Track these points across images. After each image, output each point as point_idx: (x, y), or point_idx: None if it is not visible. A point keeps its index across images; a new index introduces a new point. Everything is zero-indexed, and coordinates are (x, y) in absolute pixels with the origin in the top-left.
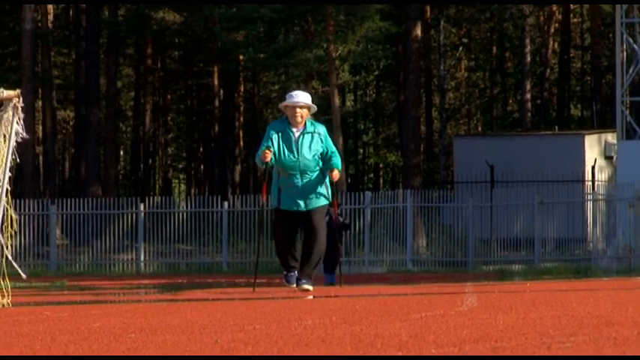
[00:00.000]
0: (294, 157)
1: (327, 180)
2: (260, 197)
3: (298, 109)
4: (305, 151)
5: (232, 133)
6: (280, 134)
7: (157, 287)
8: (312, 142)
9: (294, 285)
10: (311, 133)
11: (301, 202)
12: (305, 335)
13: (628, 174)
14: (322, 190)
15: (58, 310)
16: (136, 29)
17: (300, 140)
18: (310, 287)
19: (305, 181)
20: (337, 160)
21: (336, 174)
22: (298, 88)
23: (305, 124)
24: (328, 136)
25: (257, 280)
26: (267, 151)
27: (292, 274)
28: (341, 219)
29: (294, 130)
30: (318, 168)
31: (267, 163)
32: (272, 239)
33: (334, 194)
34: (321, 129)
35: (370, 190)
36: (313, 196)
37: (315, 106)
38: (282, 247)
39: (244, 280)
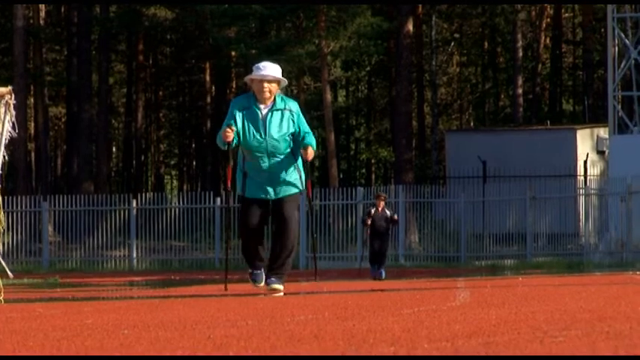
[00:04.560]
0: (261, 137)
1: (300, 163)
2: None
3: (266, 84)
4: (273, 130)
5: None
6: (245, 111)
7: (150, 284)
8: (282, 121)
9: (262, 284)
10: (281, 110)
11: (270, 189)
12: (297, 331)
13: (620, 168)
14: (294, 175)
15: (51, 306)
16: (127, 26)
17: (269, 118)
18: (280, 286)
19: (273, 164)
20: (312, 139)
21: (310, 152)
22: (290, 85)
23: (274, 100)
24: (301, 115)
25: (228, 277)
26: (229, 130)
27: (259, 271)
28: (388, 212)
29: (262, 106)
30: (288, 150)
31: (229, 143)
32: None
33: (308, 176)
34: (293, 105)
35: (362, 186)
36: (283, 182)
37: (286, 80)
38: (249, 242)
39: (237, 276)
